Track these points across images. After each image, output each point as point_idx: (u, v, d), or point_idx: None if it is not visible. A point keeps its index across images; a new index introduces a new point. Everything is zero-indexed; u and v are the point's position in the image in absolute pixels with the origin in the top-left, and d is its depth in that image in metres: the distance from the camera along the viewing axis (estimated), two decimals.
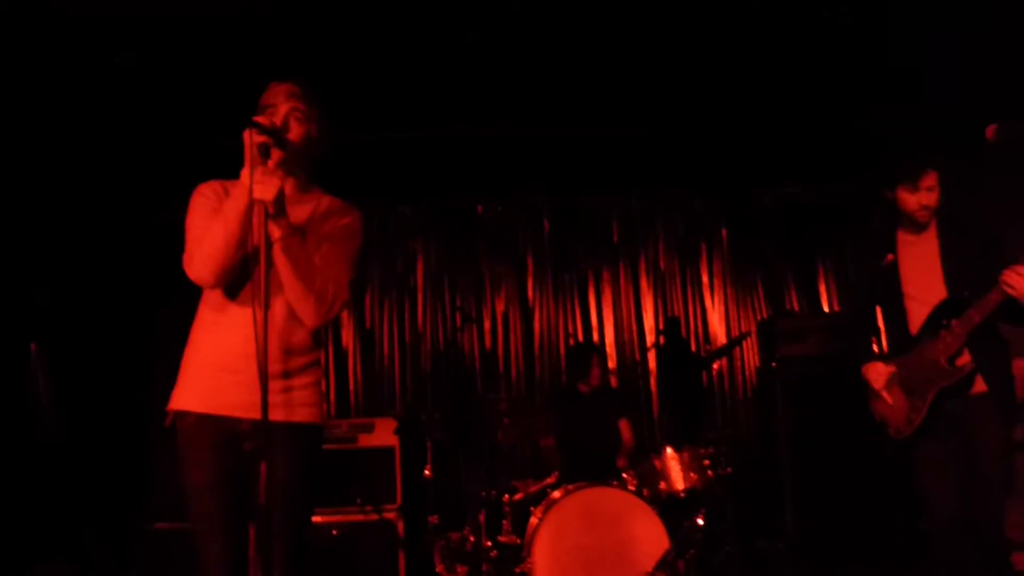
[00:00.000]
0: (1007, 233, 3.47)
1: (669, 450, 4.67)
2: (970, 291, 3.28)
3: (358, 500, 4.91)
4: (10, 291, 5.25)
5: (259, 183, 2.32)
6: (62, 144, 5.56)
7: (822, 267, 6.96)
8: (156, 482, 4.91)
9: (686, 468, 4.62)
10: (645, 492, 4.54)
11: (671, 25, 4.98)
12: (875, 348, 3.66)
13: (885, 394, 3.45)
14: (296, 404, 2.52)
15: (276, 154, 2.41)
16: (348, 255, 2.62)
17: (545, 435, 5.48)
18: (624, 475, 4.69)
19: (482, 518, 4.82)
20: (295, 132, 2.53)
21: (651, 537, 4.30)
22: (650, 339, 6.78)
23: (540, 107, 5.76)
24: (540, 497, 4.71)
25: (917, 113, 5.60)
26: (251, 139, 2.33)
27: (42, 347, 5.14)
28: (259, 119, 2.38)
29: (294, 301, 2.48)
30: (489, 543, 4.76)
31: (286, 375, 2.50)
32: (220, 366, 2.48)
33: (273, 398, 2.34)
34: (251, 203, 2.33)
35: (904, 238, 3.51)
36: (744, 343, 6.63)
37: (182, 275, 2.52)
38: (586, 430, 5.40)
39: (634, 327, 6.86)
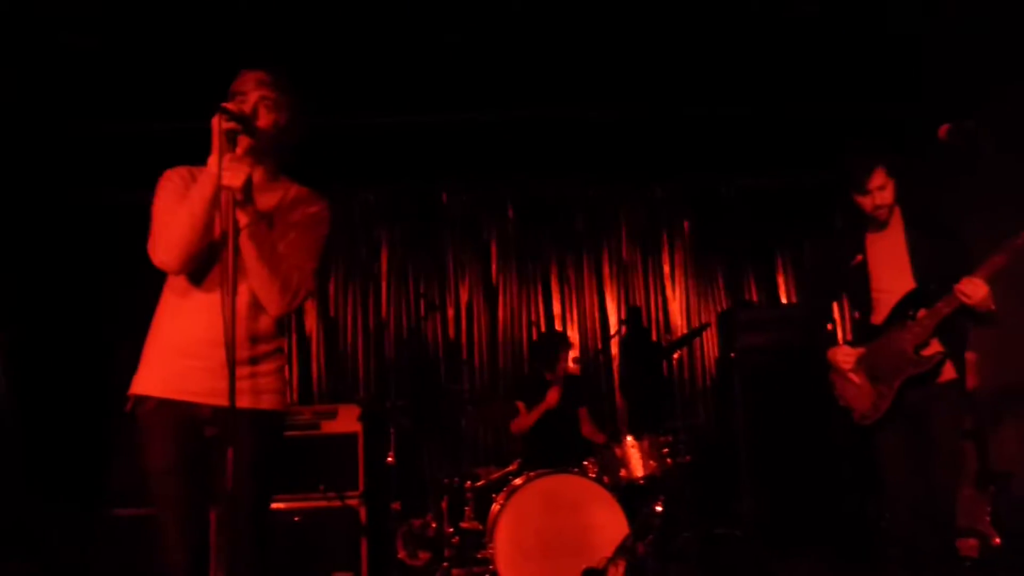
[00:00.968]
0: (962, 228, 3.55)
1: (629, 438, 4.73)
2: (937, 282, 3.32)
3: (321, 486, 4.91)
4: None
5: (227, 169, 2.31)
6: (21, 124, 5.47)
7: (781, 259, 7.05)
8: (115, 468, 4.87)
9: (646, 456, 4.68)
10: (605, 479, 4.60)
11: (638, 12, 5.01)
12: (837, 336, 3.73)
13: (853, 376, 3.50)
14: (260, 391, 2.53)
15: (244, 141, 2.41)
16: (314, 244, 2.63)
17: (510, 421, 5.51)
18: (585, 462, 4.74)
19: (444, 504, 4.86)
20: (264, 120, 2.53)
21: (611, 523, 4.37)
22: (612, 328, 6.83)
23: (506, 93, 5.77)
24: (502, 484, 4.75)
25: (876, 106, 5.72)
26: (219, 125, 2.33)
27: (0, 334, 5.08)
28: (228, 105, 2.38)
29: (259, 288, 2.48)
30: (451, 529, 4.80)
31: (251, 361, 2.51)
32: (183, 352, 2.48)
33: (238, 384, 2.33)
34: (218, 189, 2.32)
35: (871, 236, 3.55)
36: (704, 333, 6.71)
37: (144, 258, 2.50)
38: (552, 416, 5.43)
39: (597, 316, 6.91)
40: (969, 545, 4.39)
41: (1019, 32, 4.82)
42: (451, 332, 6.78)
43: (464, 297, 6.85)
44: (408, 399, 5.97)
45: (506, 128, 6.16)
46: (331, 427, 5.12)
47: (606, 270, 6.98)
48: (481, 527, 4.66)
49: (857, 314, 3.64)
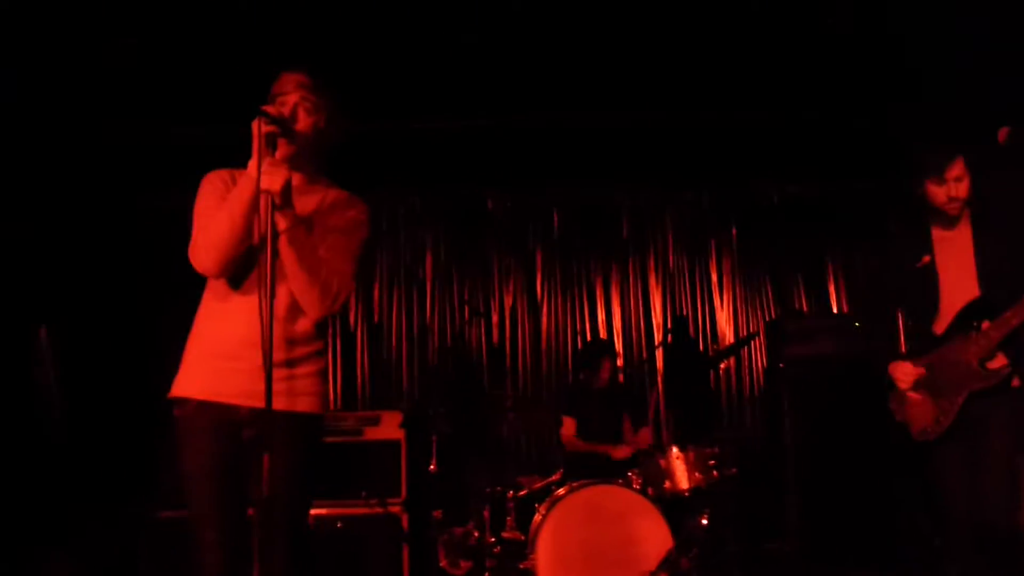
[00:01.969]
0: None
1: (675, 449, 4.66)
2: (1005, 290, 3.18)
3: (363, 493, 4.90)
4: (16, 278, 5.26)
5: (266, 173, 2.31)
6: (67, 129, 5.57)
7: (831, 267, 6.93)
8: (161, 470, 4.91)
9: (691, 467, 4.61)
10: (650, 491, 4.54)
11: (693, 16, 4.95)
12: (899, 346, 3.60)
13: (912, 394, 3.38)
14: (297, 393, 2.51)
15: (284, 145, 2.42)
16: (353, 248, 2.62)
17: (555, 429, 5.48)
18: (629, 473, 4.68)
19: (486, 513, 4.82)
20: (303, 123, 2.52)
21: (655, 536, 4.30)
22: (658, 337, 6.76)
23: (555, 99, 5.75)
24: (544, 493, 4.70)
25: (925, 111, 5.58)
26: (259, 128, 2.33)
27: (50, 332, 5.16)
28: (267, 108, 2.38)
29: (298, 292, 2.47)
30: (493, 538, 4.76)
31: (289, 364, 2.50)
32: (221, 354, 2.49)
33: (275, 386, 2.33)
34: (257, 193, 2.32)
35: (938, 235, 3.39)
36: (752, 343, 6.61)
37: (187, 262, 2.52)
38: (596, 427, 5.39)
39: (642, 324, 6.85)
40: None
41: None
42: (495, 339, 6.76)
43: (508, 303, 6.83)
44: (451, 406, 5.95)
45: (553, 134, 6.14)
46: (374, 433, 5.11)
47: (652, 278, 6.92)
48: (523, 537, 4.62)
49: (910, 323, 3.50)
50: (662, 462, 4.65)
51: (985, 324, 3.20)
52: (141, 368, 6.08)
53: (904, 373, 3.37)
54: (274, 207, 2.34)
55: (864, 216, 6.83)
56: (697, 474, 4.59)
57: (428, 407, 5.44)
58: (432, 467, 5.01)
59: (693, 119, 6.04)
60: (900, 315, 3.53)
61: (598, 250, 6.95)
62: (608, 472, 4.65)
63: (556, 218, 6.97)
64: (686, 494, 4.57)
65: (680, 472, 4.62)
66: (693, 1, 4.79)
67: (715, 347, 6.68)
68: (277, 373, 2.40)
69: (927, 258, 3.38)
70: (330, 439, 4.75)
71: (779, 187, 6.96)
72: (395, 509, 4.94)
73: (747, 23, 4.98)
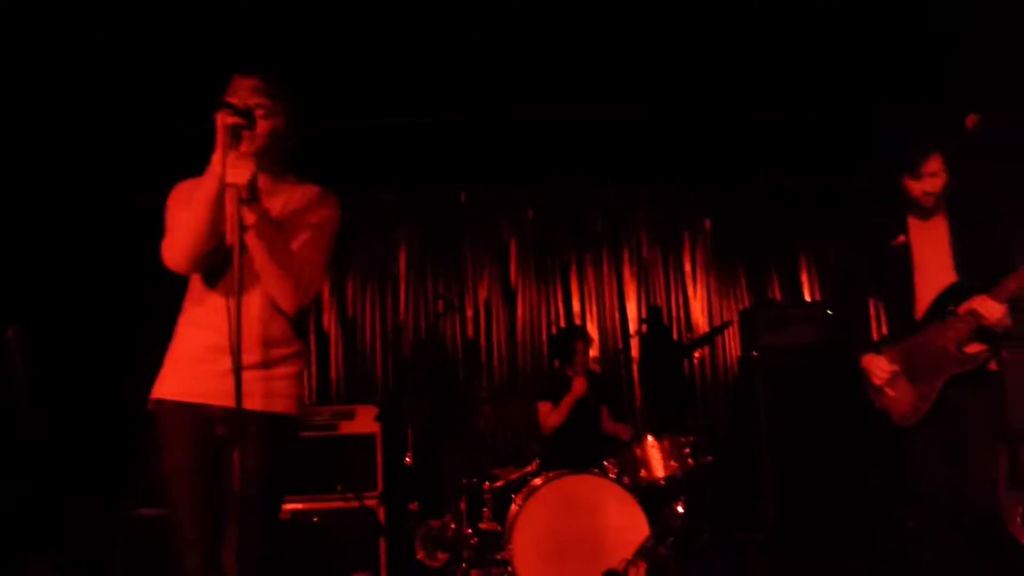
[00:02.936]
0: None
1: (650, 438, 4.69)
2: (981, 277, 3.24)
3: (339, 487, 4.90)
4: None
5: (232, 167, 2.30)
6: (36, 125, 5.50)
7: (804, 257, 6.98)
8: (139, 468, 4.89)
9: (666, 456, 4.64)
10: (625, 480, 4.56)
11: (657, 13, 4.97)
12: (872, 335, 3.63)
13: (888, 389, 3.40)
14: (273, 395, 2.52)
15: (247, 143, 2.41)
16: (324, 240, 2.62)
17: (531, 420, 5.48)
18: (605, 462, 4.70)
19: (463, 505, 4.84)
20: (261, 127, 2.49)
21: (631, 524, 4.33)
22: (632, 327, 6.79)
23: (525, 93, 5.74)
24: (521, 484, 4.72)
25: (897, 106, 5.64)
26: (223, 121, 2.31)
27: (19, 330, 5.10)
28: (231, 100, 2.37)
29: (271, 286, 2.48)
30: (470, 530, 4.78)
31: (265, 365, 2.51)
32: (195, 356, 2.51)
33: (250, 387, 2.37)
34: (223, 187, 2.31)
35: (914, 223, 3.46)
36: (726, 332, 6.65)
37: (158, 258, 2.53)
38: (573, 416, 5.40)
39: (616, 315, 6.87)
40: None
41: None
42: (469, 332, 6.76)
43: (483, 297, 6.83)
44: (426, 400, 5.96)
45: (524, 128, 6.13)
46: (349, 428, 5.11)
47: (626, 269, 6.94)
48: (500, 528, 4.64)
49: (886, 309, 3.54)
50: (638, 451, 4.68)
51: (962, 309, 3.25)
52: (115, 366, 6.04)
53: (879, 368, 3.42)
54: (241, 201, 2.33)
55: (836, 206, 6.89)
56: (672, 462, 4.63)
57: (403, 401, 5.45)
58: (408, 460, 5.02)
59: (666, 112, 6.05)
60: (873, 302, 3.58)
61: (572, 242, 6.95)
62: (584, 462, 4.66)
63: (530, 211, 6.97)
64: (662, 483, 4.61)
65: (656, 461, 4.65)
66: None
67: (689, 336, 6.72)
68: (253, 374, 2.43)
69: (902, 238, 3.43)
70: (305, 434, 4.73)
71: (752, 178, 7.00)
72: (371, 503, 4.94)
73: (721, 17, 5.00)
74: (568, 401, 5.27)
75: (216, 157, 2.32)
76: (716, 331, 6.00)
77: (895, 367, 3.40)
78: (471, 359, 6.66)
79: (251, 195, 2.34)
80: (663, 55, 5.39)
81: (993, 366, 3.28)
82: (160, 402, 2.53)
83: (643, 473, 4.62)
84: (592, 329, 6.78)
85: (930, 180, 3.32)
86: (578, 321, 6.79)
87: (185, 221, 2.43)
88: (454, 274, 6.84)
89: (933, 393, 3.30)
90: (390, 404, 5.35)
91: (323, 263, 2.60)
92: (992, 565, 3.21)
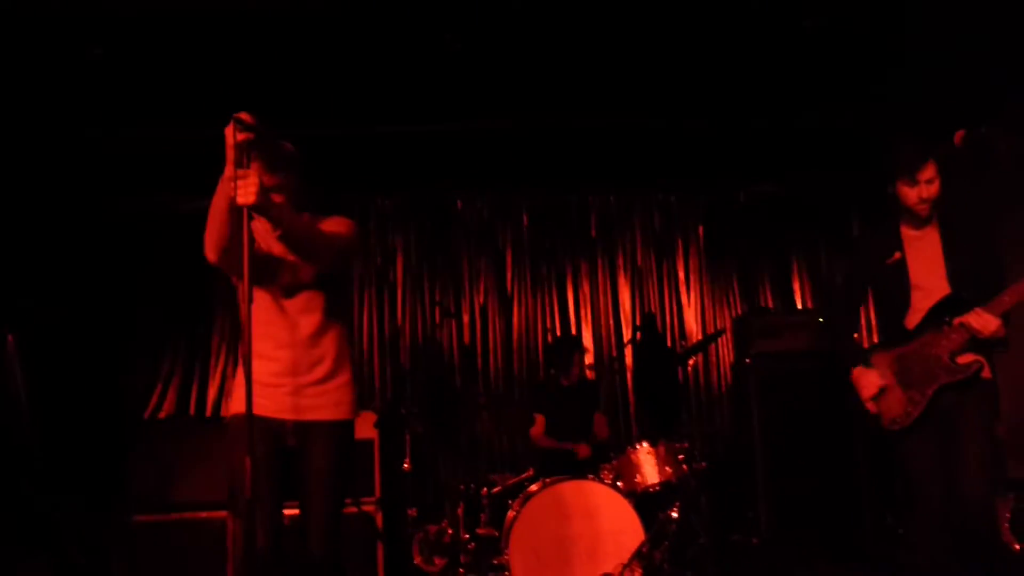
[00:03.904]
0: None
1: (645, 444, 4.72)
2: (974, 288, 3.27)
3: None
4: None
5: (238, 188, 2.38)
6: (39, 133, 5.53)
7: (796, 264, 7.04)
8: (134, 475, 4.91)
9: (661, 462, 4.67)
10: (621, 485, 4.60)
11: (652, 22, 5.01)
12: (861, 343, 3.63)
13: (871, 405, 3.43)
14: (333, 404, 2.88)
15: (255, 156, 2.50)
16: (344, 220, 2.97)
17: (528, 427, 5.51)
18: (601, 469, 4.74)
19: (460, 511, 4.86)
20: (270, 181, 2.67)
21: (626, 530, 4.36)
22: (627, 334, 6.82)
23: (520, 101, 5.78)
24: (517, 490, 4.75)
25: (890, 112, 5.69)
26: (233, 136, 2.37)
27: (18, 338, 5.12)
28: (241, 115, 2.41)
29: (304, 254, 2.74)
30: (467, 535, 4.80)
31: (323, 380, 2.86)
32: (263, 383, 2.77)
33: (313, 401, 2.83)
34: (234, 205, 2.42)
35: (907, 233, 3.47)
36: (719, 339, 6.70)
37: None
38: (566, 424, 5.44)
39: (611, 322, 6.92)
40: None
41: None
42: (466, 339, 6.79)
43: (479, 304, 6.87)
44: (423, 406, 5.99)
45: (520, 135, 6.17)
46: None
47: (621, 276, 6.99)
48: (497, 533, 4.66)
49: (879, 318, 3.55)
50: (633, 457, 4.71)
51: (956, 320, 3.29)
52: (112, 374, 6.06)
53: (868, 383, 3.45)
54: (251, 218, 2.44)
55: (829, 214, 6.96)
56: (667, 468, 4.66)
57: (401, 407, 5.46)
58: (406, 466, 5.04)
59: (660, 120, 6.10)
60: (863, 311, 3.58)
61: (567, 249, 7.00)
62: (579, 468, 4.70)
63: (526, 218, 7.02)
64: (657, 488, 4.63)
65: (650, 467, 4.68)
66: (660, 5, 4.85)
67: (683, 343, 6.75)
68: (314, 390, 2.84)
69: (898, 255, 3.46)
70: None
71: (745, 186, 7.05)
72: (369, 508, 4.96)
73: (713, 25, 5.05)
74: (564, 447, 5.37)
75: (227, 172, 2.42)
76: (710, 339, 6.02)
77: (884, 381, 3.44)
78: (468, 365, 6.69)
79: (261, 210, 2.45)
80: (657, 64, 5.44)
81: (986, 374, 3.32)
82: (234, 416, 2.80)
83: (638, 479, 4.65)
84: (587, 336, 6.82)
85: (926, 187, 3.32)
86: (573, 328, 6.82)
87: (209, 218, 2.62)
88: (451, 281, 6.88)
89: (924, 400, 3.33)
90: (388, 410, 5.37)
91: (349, 227, 2.96)
92: (984, 569, 3.24)
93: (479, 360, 6.75)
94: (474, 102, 5.78)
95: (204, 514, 4.73)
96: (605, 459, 4.85)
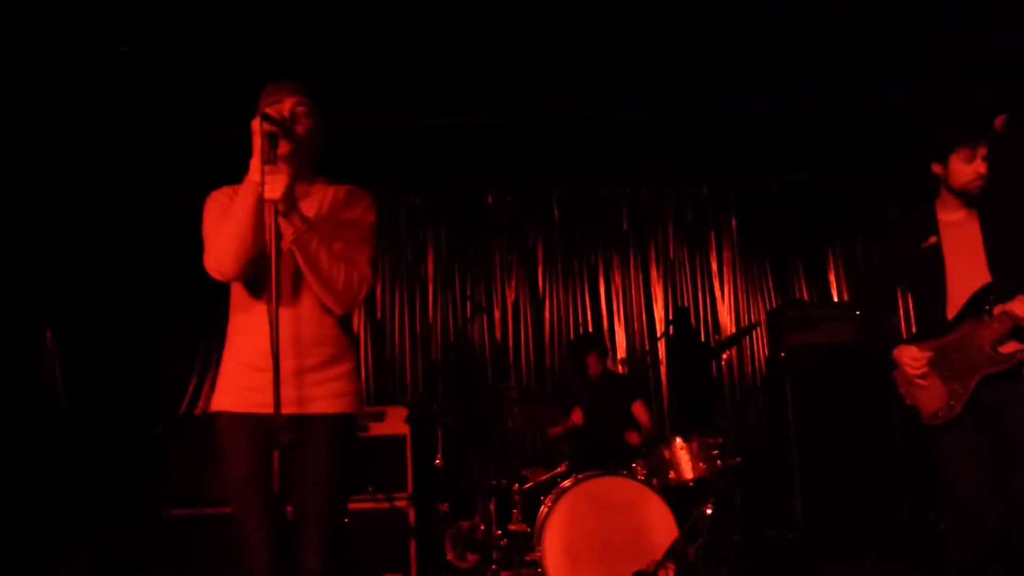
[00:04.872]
0: None
1: (678, 440, 4.69)
2: (1016, 276, 3.18)
3: (370, 488, 4.94)
4: (23, 281, 5.29)
5: (266, 183, 2.32)
6: (76, 131, 5.59)
7: (832, 256, 6.96)
8: (170, 469, 4.96)
9: (695, 457, 4.63)
10: (654, 481, 4.56)
11: (683, 13, 4.97)
12: (901, 332, 3.54)
13: (920, 381, 3.34)
14: (334, 395, 2.59)
15: (284, 146, 2.43)
16: (366, 237, 2.66)
17: (553, 424, 5.49)
18: (634, 464, 4.71)
19: (492, 506, 4.86)
20: (303, 125, 2.54)
21: (660, 526, 4.33)
22: (660, 328, 6.78)
23: (551, 94, 5.76)
24: (550, 486, 4.74)
25: (923, 102, 5.59)
26: (260, 128, 2.34)
27: (57, 334, 5.19)
28: (268, 109, 2.39)
29: (319, 291, 2.52)
30: (499, 531, 4.80)
31: (323, 366, 2.57)
32: (252, 365, 2.53)
33: (311, 391, 2.51)
34: (261, 198, 2.34)
35: (944, 218, 3.37)
36: (753, 333, 6.63)
37: (196, 262, 2.57)
38: (595, 417, 5.41)
39: (644, 316, 6.88)
40: None
41: None
42: (497, 334, 6.79)
43: (510, 299, 6.86)
44: (455, 401, 5.98)
45: (551, 129, 6.15)
46: (379, 429, 5.15)
47: (653, 270, 6.95)
48: (529, 529, 4.65)
49: (918, 307, 3.46)
50: (666, 452, 4.68)
51: (997, 309, 3.20)
52: (149, 368, 6.13)
53: (912, 358, 3.34)
54: (277, 214, 2.36)
55: (864, 205, 6.86)
56: (701, 464, 4.62)
57: (433, 402, 5.47)
58: (438, 461, 5.05)
59: (693, 110, 6.04)
60: (901, 299, 3.47)
61: (599, 243, 6.97)
62: (613, 464, 4.67)
63: (556, 212, 6.99)
64: (690, 484, 4.60)
65: (684, 462, 4.64)
66: None
67: (717, 337, 6.70)
68: (312, 377, 2.54)
69: (933, 239, 3.37)
70: None
71: (779, 176, 6.98)
72: (402, 504, 4.98)
73: (747, 15, 4.99)
74: (566, 426, 5.41)
75: (254, 164, 2.36)
76: (744, 332, 5.98)
77: (928, 354, 3.34)
78: (499, 360, 6.69)
79: (288, 207, 2.38)
80: (689, 54, 5.39)
81: None
82: (220, 414, 2.58)
83: (672, 475, 4.62)
84: (619, 331, 6.79)
85: (982, 163, 3.22)
86: (605, 322, 6.79)
87: (228, 229, 2.46)
88: (482, 276, 6.88)
89: (966, 392, 3.23)
90: (420, 406, 5.38)
91: (368, 259, 2.62)
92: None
93: (511, 354, 6.74)
94: (504, 96, 5.76)
95: None
96: (644, 451, 4.81)
